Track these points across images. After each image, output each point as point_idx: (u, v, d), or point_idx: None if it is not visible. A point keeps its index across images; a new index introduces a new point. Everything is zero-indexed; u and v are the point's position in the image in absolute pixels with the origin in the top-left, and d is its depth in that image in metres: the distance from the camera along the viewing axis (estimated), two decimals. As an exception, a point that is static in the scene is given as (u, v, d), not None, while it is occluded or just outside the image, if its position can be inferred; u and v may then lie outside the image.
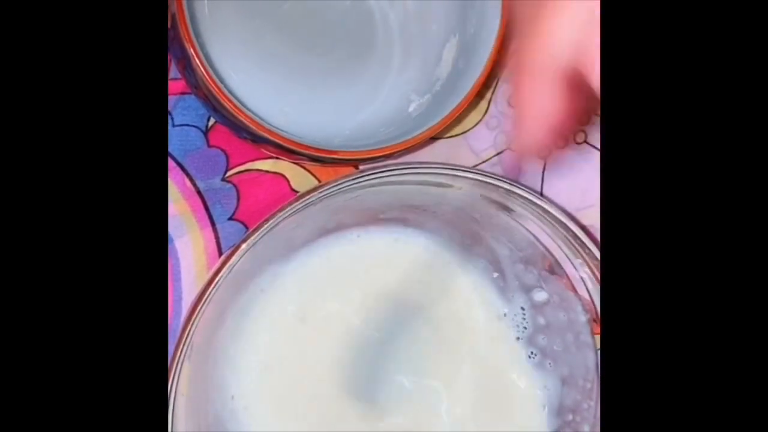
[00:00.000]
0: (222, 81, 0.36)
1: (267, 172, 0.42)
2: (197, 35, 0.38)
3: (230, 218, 0.41)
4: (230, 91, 0.36)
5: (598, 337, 0.41)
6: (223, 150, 0.41)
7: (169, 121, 0.40)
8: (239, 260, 0.36)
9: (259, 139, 0.36)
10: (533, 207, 0.39)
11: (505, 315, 0.42)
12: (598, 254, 0.38)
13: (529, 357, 0.42)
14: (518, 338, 0.42)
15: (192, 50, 0.34)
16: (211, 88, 0.34)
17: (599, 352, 0.41)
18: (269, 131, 0.36)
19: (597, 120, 0.44)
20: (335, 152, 0.37)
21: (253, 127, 0.35)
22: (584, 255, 0.39)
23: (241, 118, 0.35)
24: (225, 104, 0.35)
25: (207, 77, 0.34)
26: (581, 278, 0.40)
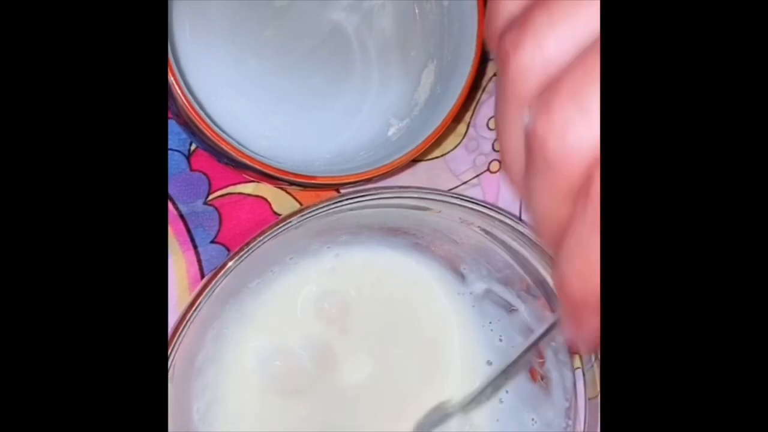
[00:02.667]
0: (202, 107, 0.37)
1: (249, 195, 0.42)
2: (178, 62, 0.39)
3: (212, 241, 0.42)
4: (211, 117, 0.37)
5: (575, 357, 0.42)
6: (205, 174, 0.42)
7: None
8: (221, 283, 0.36)
9: (240, 165, 0.37)
10: (511, 230, 0.40)
11: (482, 335, 0.43)
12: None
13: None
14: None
15: (172, 77, 0.34)
16: (191, 115, 0.35)
17: (577, 371, 0.42)
18: (249, 157, 0.36)
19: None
20: (315, 177, 0.38)
21: (233, 153, 0.36)
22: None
23: (221, 144, 0.36)
24: (204, 131, 0.35)
25: (187, 104, 0.35)
26: (557, 299, 0.41)
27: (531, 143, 0.21)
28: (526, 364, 0.42)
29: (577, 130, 0.20)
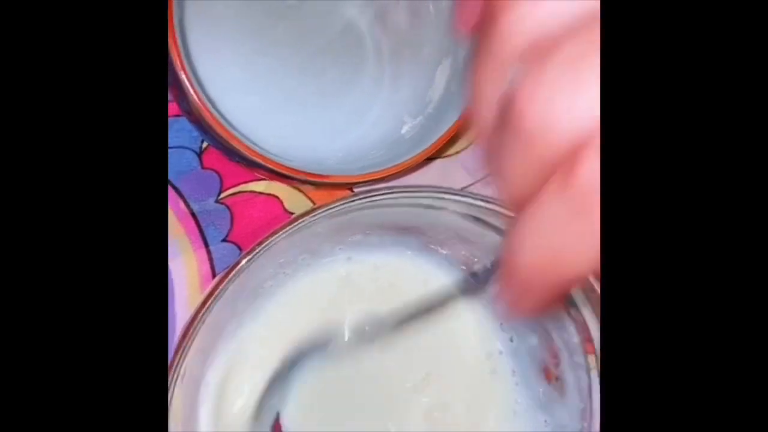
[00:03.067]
0: (214, 105, 0.37)
1: (261, 193, 0.42)
2: (190, 59, 0.38)
3: (224, 240, 0.42)
4: (222, 115, 0.36)
5: (591, 357, 0.41)
6: (217, 171, 0.41)
7: (163, 143, 0.40)
8: (233, 282, 0.36)
9: (251, 163, 0.37)
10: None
11: (495, 335, 0.43)
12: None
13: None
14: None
15: (184, 76, 0.34)
16: (203, 114, 0.34)
17: (593, 372, 0.42)
18: (261, 156, 0.36)
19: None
20: (327, 176, 0.38)
21: (245, 152, 0.36)
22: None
23: (233, 143, 0.35)
24: (217, 129, 0.35)
25: (199, 103, 0.34)
26: (572, 299, 0.40)
27: (510, 107, 0.20)
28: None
29: (566, 104, 0.19)
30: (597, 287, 0.39)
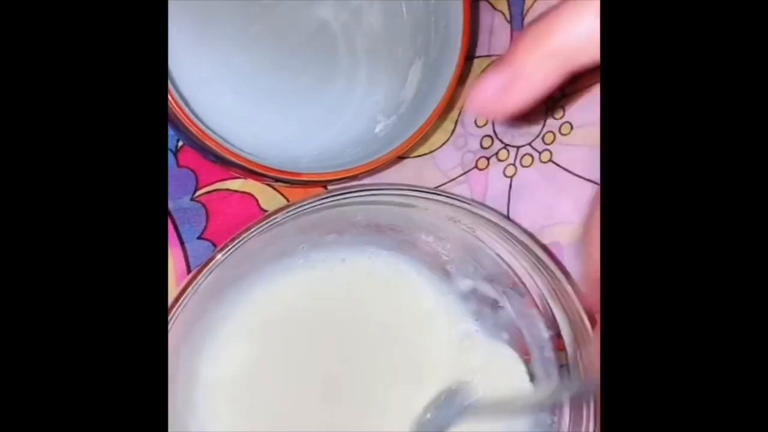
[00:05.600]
0: (188, 103, 0.37)
1: (236, 191, 0.42)
2: (165, 58, 0.38)
3: (199, 237, 0.42)
4: (196, 113, 0.37)
5: (561, 353, 0.42)
6: (192, 170, 0.42)
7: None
8: (206, 279, 0.36)
9: (225, 162, 0.37)
10: (497, 228, 0.40)
11: (468, 332, 0.43)
12: (559, 273, 0.39)
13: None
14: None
15: (158, 74, 0.34)
16: (176, 112, 0.35)
17: (564, 367, 0.42)
18: (234, 154, 0.36)
19: (562, 138, 0.45)
20: (300, 174, 0.38)
21: (218, 150, 0.36)
22: (546, 274, 0.40)
23: (206, 141, 0.36)
24: (190, 127, 0.35)
25: (172, 101, 0.35)
26: (543, 296, 0.41)
27: None
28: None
29: None
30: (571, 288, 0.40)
